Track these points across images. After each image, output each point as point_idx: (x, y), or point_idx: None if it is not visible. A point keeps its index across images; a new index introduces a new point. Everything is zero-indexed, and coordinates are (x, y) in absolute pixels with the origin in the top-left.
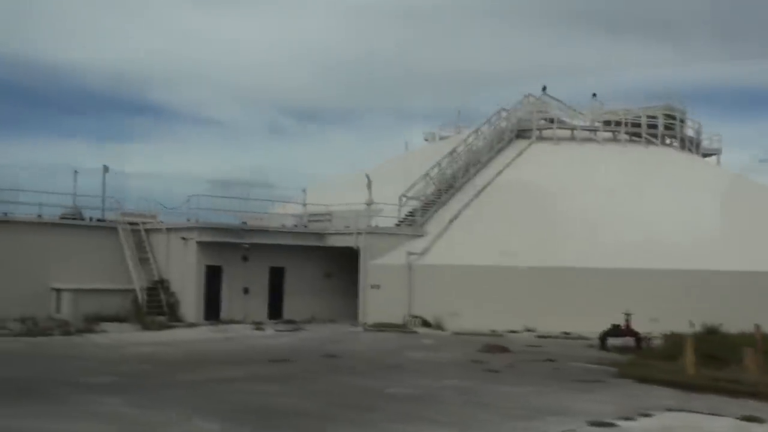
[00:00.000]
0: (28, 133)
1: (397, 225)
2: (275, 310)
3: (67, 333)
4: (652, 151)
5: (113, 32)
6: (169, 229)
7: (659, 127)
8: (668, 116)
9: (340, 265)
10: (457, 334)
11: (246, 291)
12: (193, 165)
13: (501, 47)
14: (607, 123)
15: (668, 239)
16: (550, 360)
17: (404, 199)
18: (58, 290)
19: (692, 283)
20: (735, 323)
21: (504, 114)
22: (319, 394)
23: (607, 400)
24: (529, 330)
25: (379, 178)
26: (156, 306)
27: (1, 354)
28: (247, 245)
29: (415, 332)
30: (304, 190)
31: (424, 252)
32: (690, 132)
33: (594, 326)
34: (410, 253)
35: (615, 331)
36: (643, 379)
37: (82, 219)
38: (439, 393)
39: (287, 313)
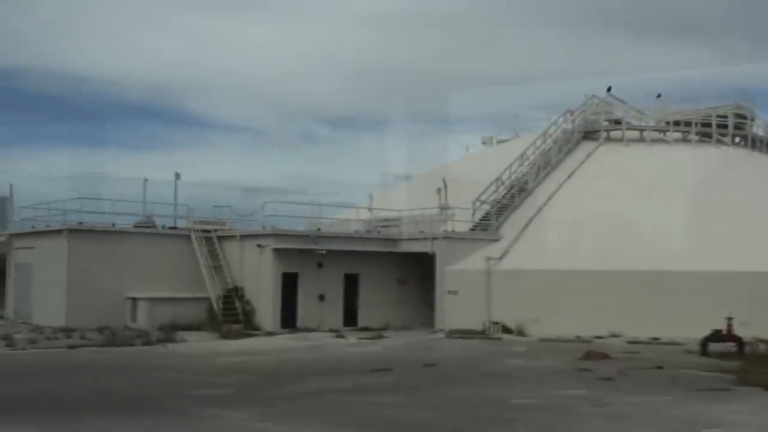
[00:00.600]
0: (64, 143)
1: (472, 230)
2: (350, 318)
3: (148, 343)
4: (723, 152)
5: (148, 44)
6: (243, 237)
7: (729, 126)
8: (738, 116)
9: (413, 270)
10: (543, 340)
11: (321, 298)
12: (229, 173)
13: (532, 51)
14: (676, 123)
15: (750, 240)
16: (659, 367)
17: (478, 203)
18: (134, 299)
19: None
20: None
21: (569, 116)
22: (444, 406)
23: (746, 410)
24: (614, 336)
25: (439, 183)
26: (231, 314)
27: (92, 365)
28: (323, 251)
29: (499, 338)
30: (370, 196)
31: (502, 257)
32: (760, 131)
33: (681, 331)
34: (489, 258)
35: (716, 336)
36: None
37: (155, 227)
38: (569, 403)
39: (362, 321)
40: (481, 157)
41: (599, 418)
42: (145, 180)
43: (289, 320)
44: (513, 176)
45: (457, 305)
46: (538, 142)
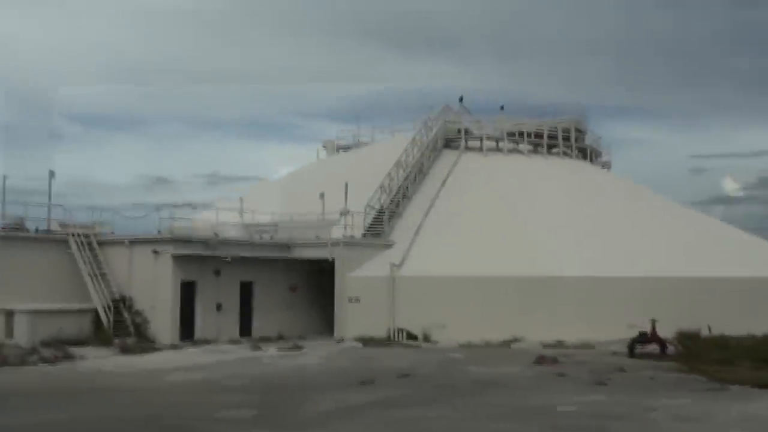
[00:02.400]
0: None
1: (363, 236)
2: (245, 328)
3: (46, 361)
4: (570, 162)
5: None
6: (133, 242)
7: (571, 139)
8: (577, 129)
9: (304, 277)
10: (464, 346)
11: (219, 307)
12: None
13: (295, 56)
14: (526, 134)
15: (628, 247)
16: (621, 370)
17: (369, 208)
18: (9, 312)
19: (661, 289)
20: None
21: (428, 125)
22: (510, 416)
23: None
24: (517, 339)
25: (292, 188)
26: (121, 326)
27: (27, 391)
28: (227, 259)
29: (418, 346)
30: (241, 199)
31: (402, 264)
32: (593, 144)
33: (581, 334)
34: (392, 265)
35: (642, 338)
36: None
37: (25, 230)
38: (619, 411)
39: (256, 330)
40: (333, 163)
41: (676, 423)
42: (4, 177)
43: (187, 332)
44: (392, 183)
45: (360, 312)
46: (409, 150)
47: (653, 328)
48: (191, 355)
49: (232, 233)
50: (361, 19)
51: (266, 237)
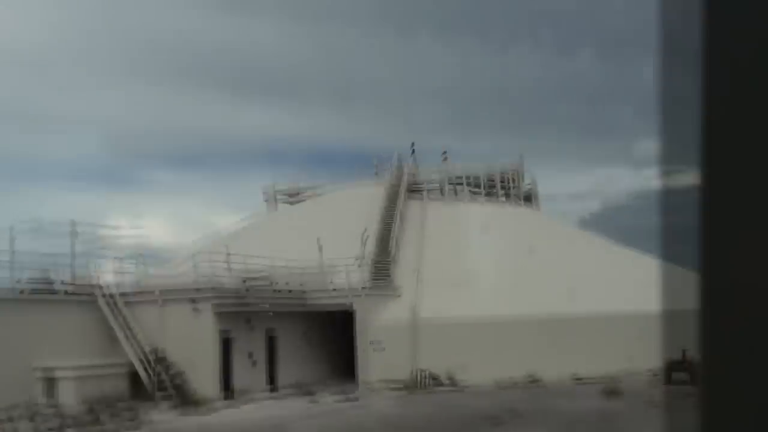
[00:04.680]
0: None
1: (372, 283)
2: (271, 377)
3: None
4: (514, 207)
5: None
6: (166, 299)
7: (516, 184)
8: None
9: (316, 325)
10: (503, 387)
11: (251, 357)
12: None
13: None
14: (472, 181)
15: (610, 285)
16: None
17: (361, 259)
18: (50, 372)
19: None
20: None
21: (391, 172)
22: None
23: None
24: (535, 376)
25: (262, 239)
26: (159, 383)
27: None
28: (270, 312)
29: (460, 390)
30: (226, 246)
31: (416, 309)
32: (529, 187)
33: (593, 368)
34: (412, 311)
35: (678, 365)
36: None
37: (54, 291)
38: None
39: (281, 380)
40: (293, 214)
41: None
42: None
43: (225, 385)
44: (376, 231)
45: (381, 356)
46: (383, 198)
47: (684, 356)
48: (257, 410)
49: (228, 284)
50: (193, 63)
51: (261, 286)
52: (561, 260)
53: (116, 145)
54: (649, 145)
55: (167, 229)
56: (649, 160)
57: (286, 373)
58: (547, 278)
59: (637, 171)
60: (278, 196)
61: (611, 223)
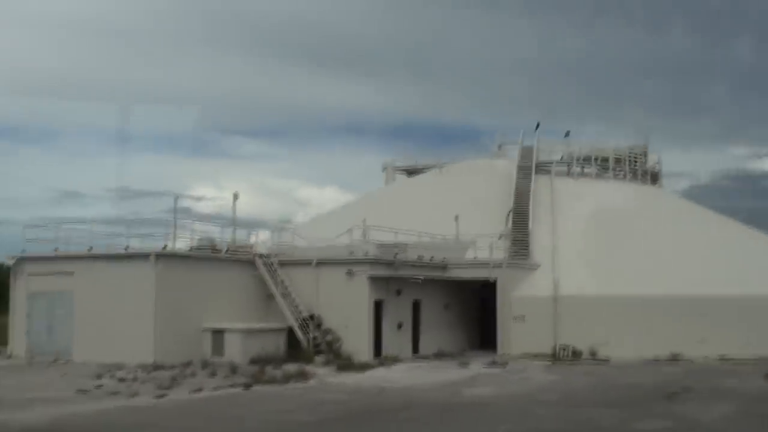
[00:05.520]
0: None
1: (511, 257)
2: (415, 345)
3: (286, 380)
4: (642, 186)
5: None
6: (320, 262)
7: (642, 164)
8: (644, 154)
9: (456, 296)
10: (649, 362)
11: (400, 326)
12: None
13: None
14: (603, 159)
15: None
16: None
17: (506, 234)
18: (218, 331)
19: None
20: None
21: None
22: None
23: None
24: (677, 355)
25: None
26: (315, 344)
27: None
28: (421, 280)
29: (606, 360)
30: (364, 220)
31: (556, 283)
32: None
33: (731, 348)
34: (554, 285)
35: None
36: None
37: (218, 250)
38: None
39: (423, 348)
40: (415, 187)
41: None
42: (176, 197)
43: (376, 349)
44: (521, 207)
45: (522, 330)
46: (513, 174)
47: None
48: (412, 371)
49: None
50: (276, 36)
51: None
52: (696, 240)
53: (201, 117)
54: (742, 124)
55: (250, 199)
56: (740, 140)
57: (427, 341)
58: (683, 258)
59: (726, 151)
60: (397, 172)
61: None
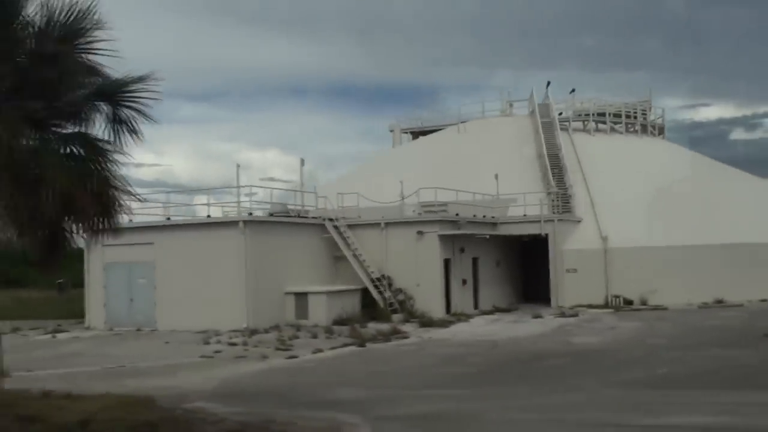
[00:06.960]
0: None
1: (554, 212)
2: (475, 301)
3: (386, 339)
4: (648, 139)
5: None
6: (388, 224)
7: (648, 117)
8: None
9: (504, 252)
10: (702, 307)
11: (464, 283)
12: None
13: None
14: (611, 115)
15: None
16: None
17: (553, 191)
18: (301, 294)
19: None
20: None
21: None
22: None
23: None
24: (722, 300)
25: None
26: (390, 303)
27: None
28: (487, 236)
29: (665, 308)
30: (401, 182)
31: (606, 236)
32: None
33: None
34: (603, 237)
35: None
36: None
37: (290, 216)
38: None
39: (482, 304)
40: (424, 148)
41: None
42: (238, 166)
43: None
44: (557, 164)
45: (574, 282)
46: (535, 132)
47: None
48: (492, 324)
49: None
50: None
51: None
52: (720, 191)
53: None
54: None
55: (189, 163)
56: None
57: (485, 297)
58: (718, 207)
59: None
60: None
61: None
